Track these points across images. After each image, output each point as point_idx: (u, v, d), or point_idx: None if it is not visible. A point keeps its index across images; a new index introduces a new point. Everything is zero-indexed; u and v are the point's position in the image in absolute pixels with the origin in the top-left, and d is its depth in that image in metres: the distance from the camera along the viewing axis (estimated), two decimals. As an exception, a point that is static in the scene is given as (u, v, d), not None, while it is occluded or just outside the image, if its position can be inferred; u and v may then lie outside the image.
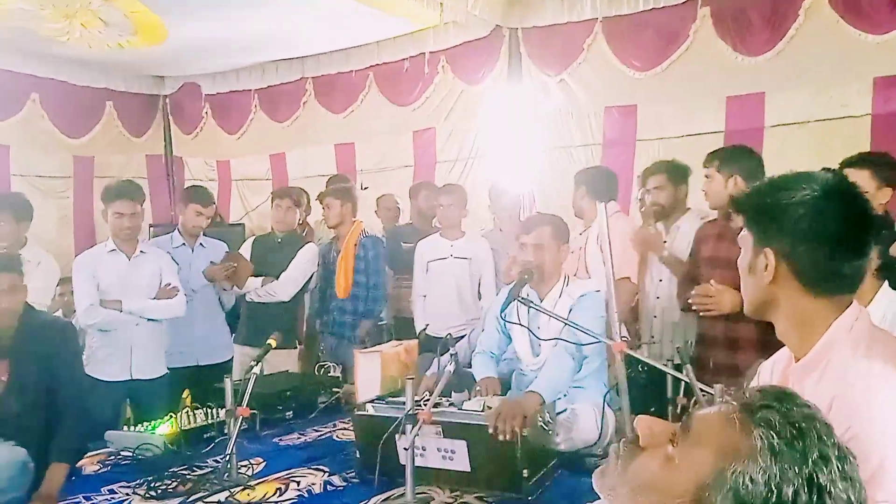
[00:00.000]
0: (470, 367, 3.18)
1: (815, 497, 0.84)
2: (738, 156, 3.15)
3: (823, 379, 1.33)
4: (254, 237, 5.05)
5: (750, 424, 0.88)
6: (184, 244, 4.30)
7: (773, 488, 0.84)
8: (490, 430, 2.39)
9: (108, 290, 3.75)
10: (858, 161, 3.09)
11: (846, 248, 1.34)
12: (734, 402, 0.93)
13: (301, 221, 5.24)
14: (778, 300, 1.40)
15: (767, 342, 1.49)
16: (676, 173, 3.75)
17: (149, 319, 3.81)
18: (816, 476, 0.84)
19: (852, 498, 0.86)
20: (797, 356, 1.40)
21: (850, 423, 1.21)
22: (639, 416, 1.03)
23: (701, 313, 3.06)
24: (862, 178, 3.00)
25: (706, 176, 3.18)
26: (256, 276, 4.52)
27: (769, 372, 1.52)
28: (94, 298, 3.72)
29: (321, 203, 4.85)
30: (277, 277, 4.54)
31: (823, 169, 1.43)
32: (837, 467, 0.86)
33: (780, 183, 1.40)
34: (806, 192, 1.33)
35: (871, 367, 1.28)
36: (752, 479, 0.84)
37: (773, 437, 0.86)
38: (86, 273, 3.77)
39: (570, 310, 2.92)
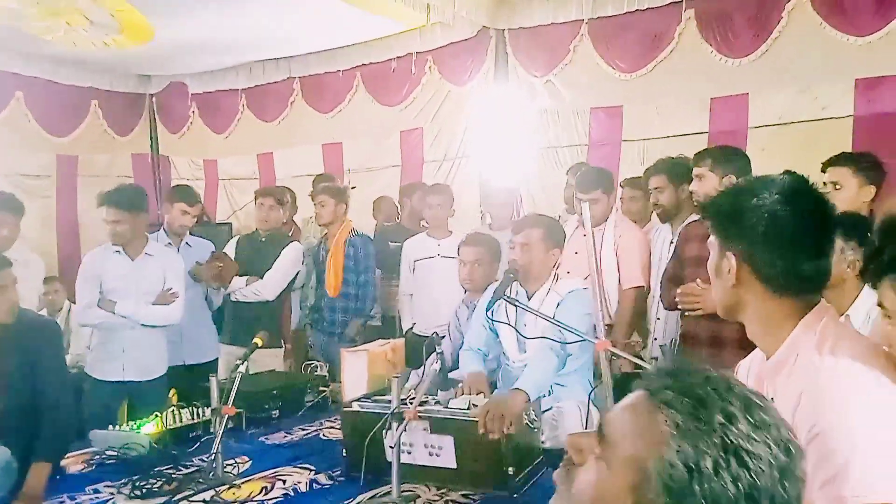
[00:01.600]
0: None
1: (736, 461, 0.79)
2: (731, 155, 3.14)
3: (792, 376, 1.36)
4: (238, 237, 5.03)
5: (654, 409, 0.84)
6: (169, 243, 4.27)
7: (693, 466, 0.79)
8: (480, 430, 2.39)
9: (111, 291, 3.71)
10: (840, 159, 3.11)
11: (805, 249, 1.37)
12: (639, 391, 0.89)
13: (286, 220, 5.23)
14: (744, 301, 1.43)
15: (750, 341, 1.52)
16: (677, 172, 3.64)
17: (142, 325, 3.76)
18: (728, 438, 0.80)
19: (770, 442, 0.81)
20: (767, 355, 1.43)
21: (815, 421, 1.23)
22: (567, 434, 1.01)
23: (686, 312, 3.08)
24: (844, 177, 3.04)
25: (696, 175, 3.14)
26: (241, 275, 4.51)
27: (746, 370, 1.54)
28: (93, 299, 3.68)
29: (314, 201, 4.82)
30: (262, 277, 4.53)
31: (784, 172, 1.46)
32: (747, 419, 0.81)
33: (741, 188, 1.45)
34: (764, 195, 1.37)
35: (837, 364, 1.30)
36: (671, 465, 0.80)
37: (675, 414, 0.82)
38: (89, 272, 3.73)
39: (558, 305, 2.94)
